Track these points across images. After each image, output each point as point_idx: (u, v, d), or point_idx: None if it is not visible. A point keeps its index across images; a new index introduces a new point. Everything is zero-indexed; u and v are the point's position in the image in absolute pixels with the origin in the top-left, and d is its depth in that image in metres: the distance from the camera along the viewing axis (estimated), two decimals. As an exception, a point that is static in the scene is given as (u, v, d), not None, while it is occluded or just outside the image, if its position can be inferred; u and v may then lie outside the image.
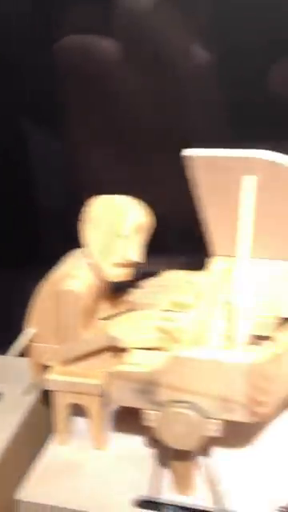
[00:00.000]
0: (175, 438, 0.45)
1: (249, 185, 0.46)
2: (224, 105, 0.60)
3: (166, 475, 0.51)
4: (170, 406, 0.45)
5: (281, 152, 0.55)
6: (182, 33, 0.57)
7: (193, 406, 0.45)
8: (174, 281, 0.59)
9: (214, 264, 0.58)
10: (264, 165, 0.46)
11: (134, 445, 0.55)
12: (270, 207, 0.49)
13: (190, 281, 0.59)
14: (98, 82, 0.62)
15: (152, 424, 0.46)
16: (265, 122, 0.59)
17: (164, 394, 0.46)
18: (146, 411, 0.47)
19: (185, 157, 0.48)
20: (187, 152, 0.47)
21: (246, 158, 0.45)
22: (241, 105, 0.59)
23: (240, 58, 0.58)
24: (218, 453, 0.53)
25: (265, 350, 0.46)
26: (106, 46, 0.59)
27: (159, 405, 0.46)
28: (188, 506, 0.50)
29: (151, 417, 0.46)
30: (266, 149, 0.50)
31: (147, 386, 0.46)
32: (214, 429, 0.46)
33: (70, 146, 0.66)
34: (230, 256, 0.57)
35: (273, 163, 0.45)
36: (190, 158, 0.47)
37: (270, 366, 0.45)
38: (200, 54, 0.58)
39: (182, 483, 0.50)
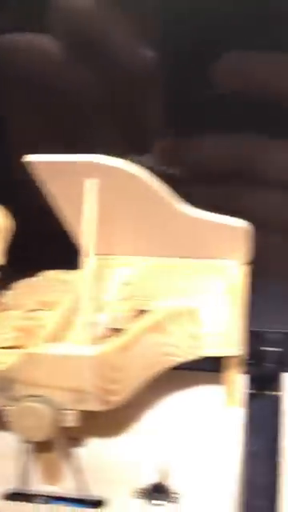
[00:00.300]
0: (29, 431, 0.48)
1: (90, 188, 0.48)
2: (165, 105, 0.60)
3: (35, 467, 0.54)
4: (23, 400, 0.47)
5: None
6: (123, 29, 0.57)
7: (44, 399, 0.47)
8: (46, 281, 0.61)
9: (87, 263, 0.61)
10: (102, 168, 0.48)
11: (5, 440, 0.57)
12: (118, 207, 0.52)
13: (62, 280, 0.61)
14: (39, 81, 0.60)
15: (9, 419, 0.49)
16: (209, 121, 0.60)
17: (20, 390, 0.48)
18: (6, 408, 0.49)
19: (27, 162, 0.50)
20: (28, 157, 0.49)
21: (85, 163, 0.48)
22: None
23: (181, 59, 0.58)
24: (82, 442, 0.55)
25: (113, 341, 0.49)
26: (46, 43, 0.58)
27: (16, 400, 0.48)
28: (56, 496, 0.53)
29: (9, 413, 0.49)
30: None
31: (4, 383, 0.48)
32: (68, 419, 0.48)
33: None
34: (103, 254, 0.60)
35: (110, 167, 0.48)
36: (32, 163, 0.50)
37: (117, 355, 0.48)
38: (143, 52, 0.58)
39: (49, 474, 0.53)
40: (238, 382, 0.57)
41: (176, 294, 0.56)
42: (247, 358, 0.67)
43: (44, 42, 0.59)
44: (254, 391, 0.63)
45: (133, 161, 0.52)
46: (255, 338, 0.67)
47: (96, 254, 0.60)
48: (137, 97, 0.60)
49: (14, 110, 0.64)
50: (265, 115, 0.58)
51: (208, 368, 0.59)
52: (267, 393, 0.64)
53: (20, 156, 0.54)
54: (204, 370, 0.60)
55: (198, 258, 0.57)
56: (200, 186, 0.62)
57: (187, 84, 0.59)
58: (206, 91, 0.58)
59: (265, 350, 0.66)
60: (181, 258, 0.58)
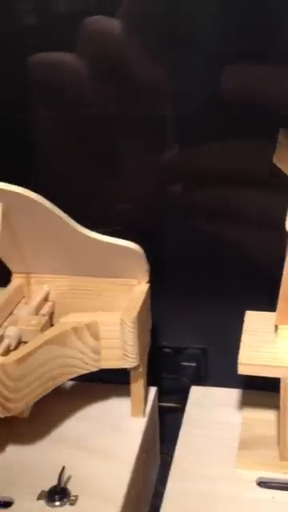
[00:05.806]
0: None
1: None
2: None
3: None
4: None
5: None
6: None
7: None
8: None
9: (13, 281, 0.65)
10: (4, 194, 0.54)
11: None
12: (30, 230, 0.57)
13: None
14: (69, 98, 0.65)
15: None
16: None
17: None
18: None
19: None
20: None
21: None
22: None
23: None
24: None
25: (11, 354, 0.53)
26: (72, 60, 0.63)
27: None
28: None
29: None
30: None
31: None
32: None
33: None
34: (25, 273, 0.65)
35: (11, 192, 0.53)
36: None
37: (14, 366, 0.52)
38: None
39: None
40: (143, 394, 0.61)
41: (85, 310, 0.61)
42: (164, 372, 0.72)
43: (72, 60, 0.63)
44: (164, 404, 0.67)
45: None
46: (174, 353, 0.71)
47: (16, 272, 0.65)
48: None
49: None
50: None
51: (118, 380, 0.63)
52: (175, 405, 0.68)
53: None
54: (115, 382, 0.64)
55: (106, 276, 0.61)
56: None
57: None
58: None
59: (181, 365, 0.70)
60: (93, 276, 0.62)
